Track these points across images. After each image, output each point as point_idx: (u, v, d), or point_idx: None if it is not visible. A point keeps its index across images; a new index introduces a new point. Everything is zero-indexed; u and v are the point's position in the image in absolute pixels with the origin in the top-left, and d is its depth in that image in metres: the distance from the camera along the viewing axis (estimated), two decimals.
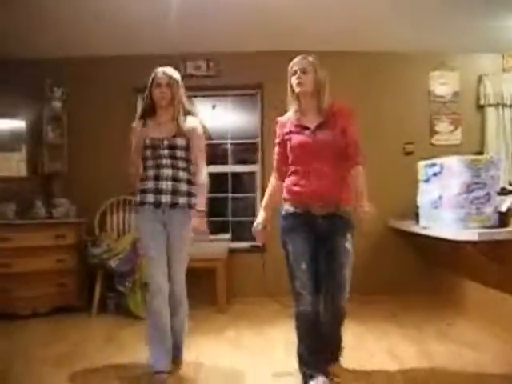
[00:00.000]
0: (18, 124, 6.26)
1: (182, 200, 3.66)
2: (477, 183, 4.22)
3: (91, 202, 6.07)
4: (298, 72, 3.42)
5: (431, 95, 6.58)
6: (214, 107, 7.10)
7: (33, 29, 5.53)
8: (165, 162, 3.65)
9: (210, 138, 6.96)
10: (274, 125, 3.67)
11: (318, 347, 3.35)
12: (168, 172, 3.64)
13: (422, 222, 5.02)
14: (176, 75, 3.78)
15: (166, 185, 3.63)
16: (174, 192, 3.64)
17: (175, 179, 3.65)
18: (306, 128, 3.42)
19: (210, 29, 5.71)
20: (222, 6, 5.11)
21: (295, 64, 3.48)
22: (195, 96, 6.92)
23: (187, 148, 3.73)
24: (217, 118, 7.03)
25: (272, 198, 3.62)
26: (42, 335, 4.92)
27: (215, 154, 7.12)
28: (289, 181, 3.47)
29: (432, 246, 5.43)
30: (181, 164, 3.70)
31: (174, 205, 3.64)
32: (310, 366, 3.34)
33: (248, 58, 6.42)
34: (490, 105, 6.49)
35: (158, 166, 3.66)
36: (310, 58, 3.48)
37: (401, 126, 6.47)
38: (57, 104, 6.30)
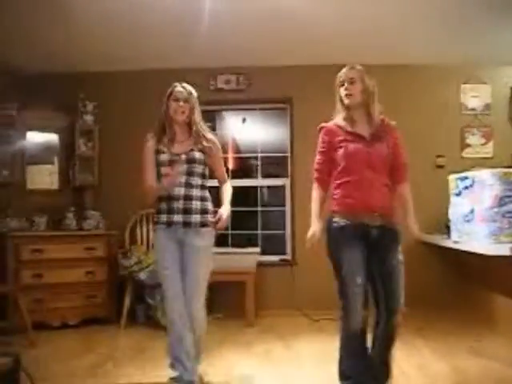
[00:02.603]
0: (50, 137, 6.34)
1: (195, 219, 3.54)
2: (509, 197, 4.16)
3: (121, 214, 6.12)
4: (346, 83, 3.32)
5: (462, 108, 6.52)
6: (243, 121, 7.13)
7: (65, 43, 5.61)
8: (179, 179, 3.52)
9: (239, 151, 7.01)
10: (318, 131, 3.47)
11: (366, 365, 3.31)
12: (180, 191, 3.53)
13: (454, 235, 4.96)
14: (194, 91, 3.68)
15: (178, 204, 3.53)
16: (186, 211, 3.53)
17: (187, 198, 3.54)
18: (361, 137, 3.29)
19: (239, 43, 5.74)
20: (252, 20, 5.13)
21: (342, 74, 3.38)
22: (225, 110, 6.98)
23: (205, 163, 3.64)
24: (246, 131, 7.06)
25: (321, 207, 3.39)
26: (73, 346, 4.97)
27: (244, 168, 7.14)
28: (340, 193, 3.31)
29: (463, 260, 5.36)
30: (195, 181, 3.59)
31: (186, 224, 3.54)
32: (351, 381, 3.30)
33: (277, 72, 6.45)
34: None
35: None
36: (357, 67, 3.38)
37: (432, 139, 6.41)
38: (89, 117, 6.39)
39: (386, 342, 3.32)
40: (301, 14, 5.00)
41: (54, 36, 5.40)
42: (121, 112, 6.54)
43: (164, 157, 3.58)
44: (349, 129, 3.33)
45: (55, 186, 6.30)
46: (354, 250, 3.21)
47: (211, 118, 6.93)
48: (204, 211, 3.60)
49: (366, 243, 3.24)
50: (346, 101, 3.32)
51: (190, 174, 3.57)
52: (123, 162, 6.36)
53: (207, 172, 3.70)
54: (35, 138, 6.27)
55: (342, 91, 3.34)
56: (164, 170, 3.54)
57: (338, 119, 3.41)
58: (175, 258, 3.57)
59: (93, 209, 6.18)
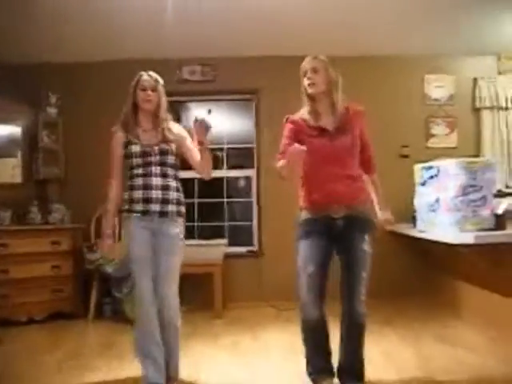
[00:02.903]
0: (13, 130, 6.22)
1: (172, 208, 3.54)
2: (473, 186, 4.22)
3: (87, 207, 6.05)
4: (309, 72, 3.34)
5: (426, 98, 6.60)
6: (209, 112, 7.07)
7: (28, 34, 5.52)
8: (154, 170, 3.51)
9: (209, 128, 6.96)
10: (283, 123, 3.48)
11: (325, 351, 3.40)
12: (157, 181, 3.51)
13: (419, 225, 5.01)
14: (161, 80, 3.66)
15: (156, 194, 3.50)
16: (164, 201, 3.51)
17: (164, 188, 3.53)
18: (325, 130, 3.31)
19: (205, 33, 5.71)
20: (218, 10, 5.11)
21: (305, 64, 3.40)
22: (191, 101, 6.94)
23: (176, 154, 3.63)
24: (212, 122, 7.02)
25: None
26: (39, 342, 4.92)
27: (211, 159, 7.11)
28: (305, 188, 3.39)
29: (429, 249, 5.43)
30: (170, 171, 3.58)
31: (163, 213, 3.52)
32: (315, 369, 3.38)
33: (244, 63, 6.43)
34: (485, 107, 6.51)
35: (147, 175, 3.52)
36: (321, 57, 3.40)
37: (396, 129, 6.47)
38: (52, 110, 6.30)
39: (352, 334, 3.36)
40: (267, 5, 4.99)
41: (16, 26, 5.31)
42: (85, 104, 6.45)
43: (136, 148, 3.54)
44: (313, 123, 3.35)
45: (18, 179, 6.18)
46: (312, 243, 3.28)
47: (176, 109, 6.88)
48: (178, 202, 3.60)
49: (331, 235, 3.29)
50: (310, 90, 3.33)
51: (163, 164, 3.55)
52: (88, 154, 6.28)
53: (179, 163, 3.69)
54: None
55: (305, 81, 3.36)
56: (136, 161, 3.53)
57: (304, 112, 3.42)
58: (148, 247, 3.54)
59: (58, 202, 6.11)
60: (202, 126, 3.54)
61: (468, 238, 4.06)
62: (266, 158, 6.28)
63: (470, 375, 3.65)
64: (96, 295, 5.70)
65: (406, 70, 6.60)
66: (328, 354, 3.42)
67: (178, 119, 6.58)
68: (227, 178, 6.95)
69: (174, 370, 3.63)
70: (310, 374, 3.43)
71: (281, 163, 3.22)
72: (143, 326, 3.53)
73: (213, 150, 6.89)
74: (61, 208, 6.03)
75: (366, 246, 3.32)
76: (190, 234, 6.57)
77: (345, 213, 3.27)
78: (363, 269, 3.30)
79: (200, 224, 6.81)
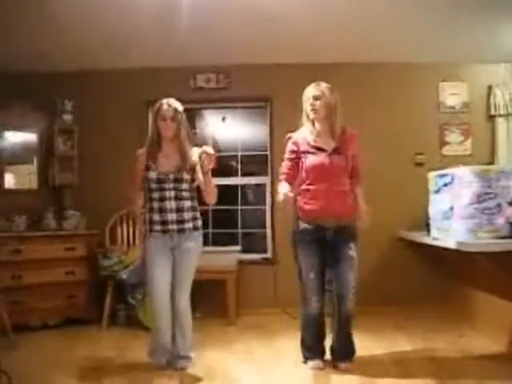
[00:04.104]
0: (29, 137, 6.26)
1: (188, 225, 3.89)
2: (488, 193, 4.19)
3: (102, 214, 6.08)
4: (311, 99, 3.77)
5: (441, 106, 6.57)
6: (223, 119, 7.12)
7: (44, 42, 5.56)
8: (168, 194, 3.82)
9: (219, 150, 7.00)
10: (285, 140, 3.97)
11: (319, 338, 4.03)
12: (172, 204, 3.83)
13: (433, 232, 4.98)
14: (180, 107, 3.90)
15: (171, 216, 3.83)
16: (180, 221, 3.86)
17: (179, 210, 3.85)
18: (323, 150, 3.78)
19: (219, 41, 5.72)
20: (232, 18, 5.12)
21: (309, 91, 3.82)
22: (205, 108, 6.97)
23: (192, 180, 3.91)
24: (226, 130, 7.05)
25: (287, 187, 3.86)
26: (53, 347, 4.93)
27: (225, 166, 7.13)
28: (301, 200, 3.84)
29: (443, 257, 5.39)
30: (185, 194, 3.89)
31: (180, 230, 3.86)
32: (311, 352, 4.04)
33: (257, 70, 6.44)
34: (500, 115, 6.47)
35: (162, 199, 3.83)
36: (322, 85, 3.83)
37: (411, 136, 6.45)
38: (68, 117, 6.34)
39: (341, 325, 3.91)
40: (281, 12, 5.00)
41: (32, 35, 5.36)
42: (100, 111, 6.49)
43: (152, 174, 3.85)
44: (312, 142, 3.84)
45: (34, 185, 6.24)
46: (310, 252, 3.86)
47: (191, 116, 6.90)
48: (194, 218, 3.95)
49: (323, 243, 3.84)
50: (312, 115, 3.81)
51: (177, 189, 3.85)
52: (103, 161, 6.33)
53: (194, 185, 3.97)
54: (13, 138, 6.21)
55: (308, 106, 3.82)
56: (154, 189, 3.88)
57: (304, 131, 3.91)
58: (167, 259, 3.91)
59: (72, 208, 6.14)
60: (209, 158, 3.73)
61: (483, 245, 4.04)
62: (280, 166, 6.28)
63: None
64: (110, 301, 5.72)
65: (421, 77, 6.58)
66: (323, 337, 4.08)
67: (193, 127, 6.64)
68: (241, 185, 6.97)
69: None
70: (304, 352, 4.09)
71: (281, 186, 3.83)
72: (158, 333, 3.98)
73: (227, 157, 7.01)
74: (76, 214, 6.05)
75: (353, 253, 3.87)
76: (204, 240, 6.56)
77: (335, 224, 3.81)
78: (349, 273, 3.82)
79: (214, 231, 6.82)
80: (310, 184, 3.81)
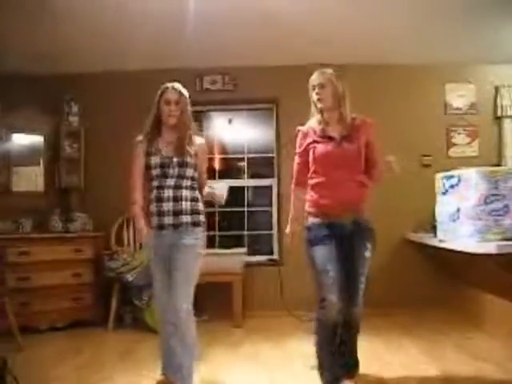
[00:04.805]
0: (35, 139, 6.30)
1: (186, 219, 3.54)
2: (495, 195, 4.18)
3: (108, 216, 6.09)
4: (317, 88, 3.53)
5: (448, 107, 6.55)
6: (230, 121, 7.12)
7: (50, 45, 5.58)
8: (168, 182, 3.54)
9: (225, 152, 7.00)
10: (295, 134, 3.72)
11: (340, 352, 3.50)
12: (168, 192, 3.53)
13: (440, 234, 4.97)
14: (185, 92, 3.67)
15: (167, 206, 3.52)
16: (176, 212, 3.52)
17: (176, 199, 3.53)
18: (331, 138, 3.52)
19: (225, 43, 5.73)
20: (238, 20, 5.13)
21: (313, 79, 3.59)
22: (211, 110, 6.96)
23: (195, 166, 3.65)
24: (233, 132, 7.05)
25: (298, 210, 3.70)
26: (59, 349, 4.94)
27: (231, 168, 7.13)
28: (314, 194, 3.55)
29: (449, 258, 5.38)
30: (185, 183, 3.58)
31: (176, 225, 3.53)
32: (332, 371, 3.45)
33: (263, 72, 6.45)
34: (507, 116, 6.45)
35: (160, 188, 3.55)
36: (328, 72, 3.58)
37: (418, 138, 6.43)
38: (74, 119, 6.36)
39: (347, 330, 3.53)
40: (287, 14, 5.01)
41: (39, 37, 5.37)
42: (106, 113, 6.51)
43: (155, 159, 3.57)
44: (320, 131, 3.57)
45: (41, 187, 6.26)
46: (325, 247, 3.44)
47: (197, 118, 6.90)
48: (195, 211, 3.60)
49: (340, 239, 3.47)
50: (318, 104, 3.56)
51: (179, 176, 3.57)
52: (109, 163, 6.33)
53: (197, 175, 3.70)
54: (20, 140, 6.24)
55: (314, 96, 3.57)
56: (155, 172, 3.57)
57: (313, 122, 3.65)
58: (164, 263, 3.57)
59: (79, 210, 6.16)
60: (215, 198, 3.65)
61: (490, 247, 4.03)
62: (286, 167, 6.28)
63: None
64: (116, 303, 5.73)
65: (428, 78, 6.57)
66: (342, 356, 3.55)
67: (199, 129, 6.63)
68: (248, 187, 6.97)
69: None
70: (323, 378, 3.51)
71: (294, 197, 3.70)
72: (162, 339, 3.67)
73: (234, 159, 7.01)
74: (82, 216, 6.07)
75: (368, 253, 3.52)
76: (210, 243, 6.57)
77: (353, 218, 3.50)
78: (361, 274, 3.50)
79: (220, 233, 6.82)
80: (320, 176, 3.51)
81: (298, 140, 3.68)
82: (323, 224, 3.49)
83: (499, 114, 6.47)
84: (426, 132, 6.47)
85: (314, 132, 3.58)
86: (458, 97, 6.54)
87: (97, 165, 6.41)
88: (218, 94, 6.63)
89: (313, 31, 5.42)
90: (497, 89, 6.52)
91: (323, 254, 3.42)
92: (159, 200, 3.54)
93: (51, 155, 6.32)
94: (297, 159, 3.69)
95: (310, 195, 3.57)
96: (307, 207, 3.60)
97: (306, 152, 3.59)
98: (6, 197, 5.97)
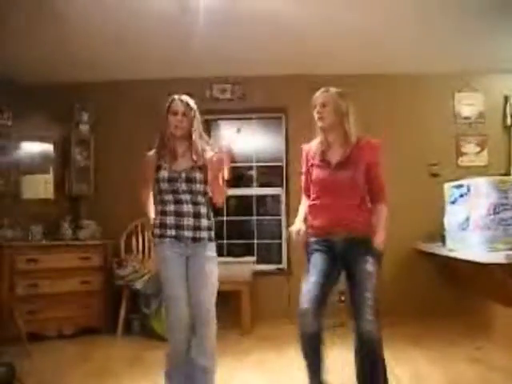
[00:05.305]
0: (46, 147, 6.35)
1: (204, 234, 3.55)
2: (504, 204, 4.17)
3: (117, 223, 6.11)
4: (318, 106, 3.45)
5: (457, 116, 6.55)
6: (238, 130, 7.13)
7: (61, 53, 5.62)
8: (184, 197, 3.51)
9: (234, 160, 6.99)
10: (300, 152, 3.68)
11: (319, 368, 3.36)
12: (189, 208, 3.52)
13: (449, 244, 4.96)
14: (193, 103, 3.61)
15: (188, 220, 3.51)
16: (196, 228, 3.53)
17: (196, 215, 3.53)
18: (328, 163, 3.44)
19: (235, 53, 5.76)
20: (247, 30, 5.15)
21: (315, 98, 3.51)
22: (220, 119, 6.98)
23: (205, 181, 3.58)
24: (242, 141, 7.06)
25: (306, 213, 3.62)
26: (68, 356, 4.95)
27: (240, 177, 7.14)
28: (310, 215, 3.53)
29: (459, 268, 5.36)
30: (200, 198, 3.56)
31: (195, 239, 3.53)
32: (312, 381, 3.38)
33: (272, 81, 6.47)
34: None
35: (178, 202, 3.52)
36: (330, 91, 3.49)
37: (427, 147, 6.43)
38: (84, 127, 6.40)
39: (363, 356, 3.27)
40: (296, 25, 5.03)
41: (49, 46, 5.42)
42: (116, 121, 6.54)
43: (163, 173, 3.53)
44: (319, 154, 3.49)
45: (50, 195, 6.29)
46: (317, 257, 3.40)
47: (206, 127, 6.93)
48: (209, 228, 3.61)
49: (333, 255, 3.39)
50: (319, 123, 3.46)
51: (191, 192, 3.53)
52: (119, 171, 6.36)
53: (208, 189, 3.63)
54: (30, 148, 6.28)
55: (315, 114, 3.47)
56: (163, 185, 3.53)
57: (315, 142, 3.57)
58: (182, 271, 3.55)
59: (88, 218, 6.18)
60: (219, 161, 3.48)
61: (499, 257, 4.02)
62: (295, 176, 6.28)
63: None
64: (125, 311, 5.73)
65: (436, 88, 6.58)
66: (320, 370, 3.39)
67: (208, 137, 6.64)
68: (256, 196, 6.97)
69: None
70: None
71: (302, 204, 3.64)
72: (171, 355, 3.61)
73: (243, 168, 7.02)
74: (91, 224, 6.09)
75: (370, 267, 3.31)
76: (219, 251, 6.56)
77: (345, 235, 3.37)
78: (366, 289, 3.26)
79: (229, 242, 6.83)
80: (315, 198, 3.49)
81: (303, 158, 3.65)
82: (317, 241, 3.45)
83: (508, 123, 6.45)
84: (435, 141, 6.46)
85: (314, 154, 3.53)
86: (467, 106, 6.53)
87: (106, 173, 6.44)
88: (227, 103, 6.66)
89: (322, 41, 5.44)
90: (506, 98, 6.51)
91: (312, 263, 3.42)
92: (178, 214, 3.52)
93: (61, 163, 6.35)
94: (303, 176, 3.67)
95: (308, 216, 3.55)
96: (307, 226, 3.55)
97: (308, 172, 3.58)
98: (16, 204, 6.00)
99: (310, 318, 3.24)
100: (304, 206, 3.63)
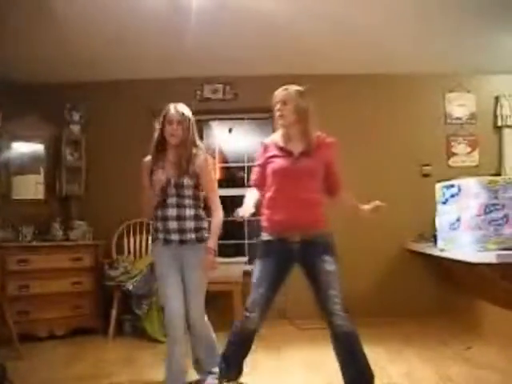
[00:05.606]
0: (36, 147, 6.32)
1: (190, 236, 3.67)
2: (494, 204, 4.19)
3: (108, 224, 6.10)
4: (279, 104, 3.52)
5: (448, 117, 6.58)
6: (230, 131, 7.14)
7: (52, 54, 5.61)
8: (170, 201, 3.65)
9: (226, 161, 7.01)
10: (260, 147, 3.69)
11: (243, 356, 3.61)
12: (173, 212, 3.65)
13: (440, 244, 4.98)
14: (188, 112, 3.74)
15: (172, 224, 3.64)
16: (181, 231, 3.66)
17: (180, 218, 3.65)
18: (291, 153, 3.47)
19: (226, 53, 5.75)
20: (239, 30, 5.15)
21: (276, 96, 3.58)
22: (212, 119, 6.98)
23: (196, 186, 3.72)
24: (233, 141, 7.06)
25: (251, 201, 3.57)
26: (59, 357, 4.93)
27: (231, 177, 7.14)
28: (267, 209, 3.54)
29: (450, 268, 5.38)
30: (187, 201, 3.68)
31: (182, 241, 3.67)
32: (229, 368, 3.57)
33: (264, 81, 6.45)
34: (507, 126, 6.47)
35: (164, 206, 3.67)
36: (291, 89, 3.56)
37: (418, 148, 6.45)
38: (75, 127, 6.38)
39: (341, 350, 3.33)
40: (288, 24, 5.03)
41: (40, 45, 5.40)
42: (108, 122, 6.52)
43: (156, 179, 3.66)
44: (281, 145, 3.54)
45: (41, 196, 6.27)
46: (267, 264, 3.46)
47: (198, 127, 6.92)
48: (198, 229, 3.72)
49: (289, 257, 3.45)
50: (279, 121, 3.54)
51: (179, 196, 3.66)
52: (110, 171, 6.35)
53: (199, 192, 3.77)
54: (21, 148, 6.25)
55: (276, 112, 3.54)
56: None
57: (276, 136, 3.63)
58: (173, 268, 3.70)
59: (79, 219, 6.16)
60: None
61: (490, 256, 4.03)
62: None
63: None
64: (116, 312, 5.71)
65: (427, 88, 6.60)
66: (246, 355, 3.64)
67: (200, 137, 6.65)
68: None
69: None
70: (222, 370, 3.59)
71: (249, 194, 3.60)
72: (169, 349, 3.66)
73: (234, 168, 7.02)
74: (82, 225, 6.07)
75: (329, 266, 3.37)
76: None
77: (301, 238, 3.41)
78: (330, 288, 3.33)
79: (221, 242, 6.82)
80: (275, 191, 3.47)
81: (260, 153, 3.66)
82: (271, 241, 3.49)
83: (499, 123, 6.49)
84: (426, 141, 6.49)
85: (276, 146, 3.56)
86: (458, 106, 6.56)
87: (98, 173, 6.41)
88: (218, 104, 6.65)
89: (313, 41, 5.44)
90: (497, 98, 6.54)
91: (261, 271, 3.45)
92: (164, 218, 3.67)
93: (52, 163, 6.33)
94: (256, 169, 3.67)
95: (265, 209, 3.56)
96: (262, 221, 3.59)
97: (265, 165, 3.57)
98: (6, 205, 5.98)
99: (254, 319, 3.44)
100: (253, 193, 3.62)
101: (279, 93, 3.57)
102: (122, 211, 6.08)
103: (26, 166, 6.26)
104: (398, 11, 4.88)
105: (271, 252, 3.46)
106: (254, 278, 3.47)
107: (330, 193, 3.59)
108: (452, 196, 4.70)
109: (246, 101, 6.58)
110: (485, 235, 4.21)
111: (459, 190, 4.57)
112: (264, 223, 3.56)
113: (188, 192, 3.67)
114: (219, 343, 3.74)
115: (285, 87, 3.58)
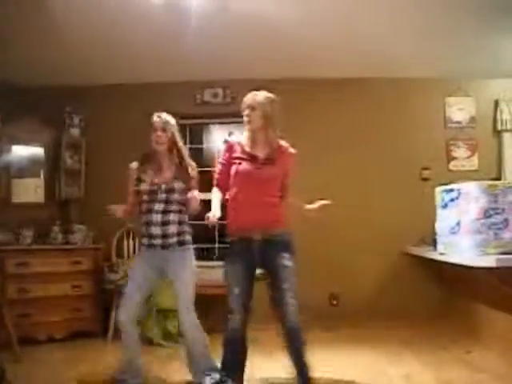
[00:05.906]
0: (36, 151, 6.32)
1: (172, 240, 3.78)
2: (494, 209, 4.19)
3: (108, 228, 6.07)
4: (247, 110, 3.62)
5: (447, 121, 6.58)
6: (230, 134, 7.13)
7: (52, 58, 5.61)
8: (156, 207, 3.76)
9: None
10: (224, 145, 3.83)
11: (241, 360, 3.73)
12: (157, 217, 3.74)
13: (440, 248, 4.97)
14: (171, 120, 3.85)
15: (155, 230, 3.74)
16: (164, 236, 3.76)
17: (164, 223, 3.75)
18: (255, 158, 3.59)
19: (226, 56, 5.76)
20: (239, 34, 5.16)
21: (245, 100, 3.68)
22: (212, 123, 6.98)
23: (185, 191, 3.79)
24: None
25: (218, 204, 3.65)
26: (58, 360, 4.91)
27: None
28: (231, 209, 3.64)
29: (449, 272, 5.37)
30: (174, 207, 3.79)
31: (164, 246, 3.78)
32: (230, 371, 3.64)
33: (263, 85, 6.44)
34: (506, 130, 6.48)
35: (149, 211, 3.77)
36: (260, 95, 3.66)
37: (417, 151, 6.45)
38: (75, 131, 6.38)
39: (287, 338, 3.56)
40: (287, 28, 5.03)
41: (40, 49, 5.41)
42: (107, 125, 6.52)
43: (144, 186, 3.81)
44: (246, 148, 3.65)
45: (41, 199, 6.27)
46: (237, 266, 3.60)
47: (198, 131, 6.94)
48: (181, 233, 3.84)
49: (252, 255, 3.59)
50: (247, 126, 3.65)
51: (167, 202, 3.77)
52: (110, 175, 6.33)
53: (186, 197, 3.81)
54: (21, 152, 6.26)
55: (244, 117, 3.65)
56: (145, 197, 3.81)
57: (243, 137, 3.74)
58: (144, 277, 3.83)
59: (79, 222, 6.15)
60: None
61: (490, 261, 4.03)
62: None
63: None
64: (115, 315, 5.70)
65: (427, 92, 6.60)
66: (245, 356, 3.78)
67: (199, 141, 6.67)
68: None
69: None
70: (222, 373, 3.66)
71: (215, 193, 3.67)
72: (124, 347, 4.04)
73: None
74: (82, 228, 6.06)
75: (287, 262, 3.56)
76: (203, 255, 6.55)
77: (262, 236, 3.55)
78: (285, 281, 3.53)
79: (220, 246, 6.81)
80: (237, 192, 3.58)
81: (224, 150, 3.74)
82: (237, 240, 3.61)
83: (499, 127, 6.49)
84: (426, 145, 6.49)
85: (241, 148, 3.65)
86: (458, 110, 6.56)
87: (97, 177, 6.41)
88: (218, 107, 6.65)
89: (313, 46, 5.44)
90: (496, 103, 6.55)
91: (232, 271, 3.60)
92: (148, 224, 3.78)
93: (52, 167, 6.32)
94: (219, 167, 3.74)
95: (230, 209, 3.64)
96: (227, 221, 3.67)
97: (229, 164, 3.65)
98: (6, 208, 5.98)
99: (238, 319, 3.62)
100: (218, 195, 3.68)
101: (248, 98, 3.67)
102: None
103: (26, 170, 6.26)
104: (398, 16, 4.89)
105: (237, 252, 3.60)
106: (227, 280, 3.63)
107: (282, 199, 3.71)
108: (452, 200, 4.70)
109: None
110: (485, 239, 4.20)
111: (459, 194, 4.56)
112: (229, 224, 3.66)
113: (177, 196, 3.79)
114: (218, 346, 3.72)
115: (254, 93, 3.69)
